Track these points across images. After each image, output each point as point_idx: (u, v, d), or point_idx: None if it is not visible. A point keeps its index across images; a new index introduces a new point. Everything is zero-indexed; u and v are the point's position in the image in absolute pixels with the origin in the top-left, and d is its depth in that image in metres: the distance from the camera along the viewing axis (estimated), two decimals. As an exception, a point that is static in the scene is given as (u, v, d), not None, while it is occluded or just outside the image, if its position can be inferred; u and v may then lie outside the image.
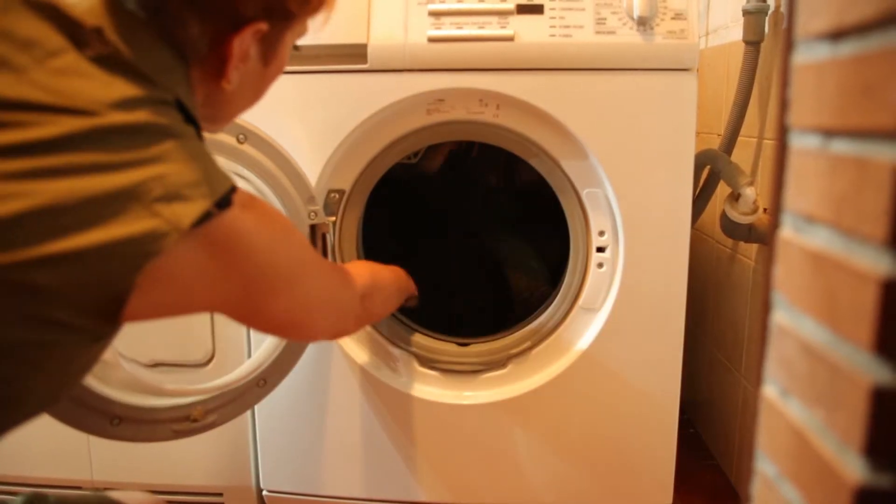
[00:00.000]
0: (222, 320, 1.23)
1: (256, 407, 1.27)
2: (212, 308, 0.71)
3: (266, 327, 0.79)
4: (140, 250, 0.56)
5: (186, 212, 0.58)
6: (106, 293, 0.56)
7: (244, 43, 0.67)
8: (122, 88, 0.59)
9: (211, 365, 1.26)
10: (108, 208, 0.55)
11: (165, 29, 0.64)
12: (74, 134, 0.55)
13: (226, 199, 0.62)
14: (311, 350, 1.23)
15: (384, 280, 1.03)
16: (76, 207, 0.54)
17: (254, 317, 0.74)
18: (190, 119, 0.64)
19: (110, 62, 0.59)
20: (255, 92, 0.77)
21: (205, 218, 0.59)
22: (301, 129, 1.15)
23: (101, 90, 0.58)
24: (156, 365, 1.27)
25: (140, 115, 0.58)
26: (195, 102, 0.67)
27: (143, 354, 1.26)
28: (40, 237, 0.53)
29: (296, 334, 0.90)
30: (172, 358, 1.26)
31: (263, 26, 0.67)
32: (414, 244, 1.57)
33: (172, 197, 0.57)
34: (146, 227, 0.56)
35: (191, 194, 0.58)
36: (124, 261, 0.55)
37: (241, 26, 0.66)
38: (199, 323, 1.25)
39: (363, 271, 0.97)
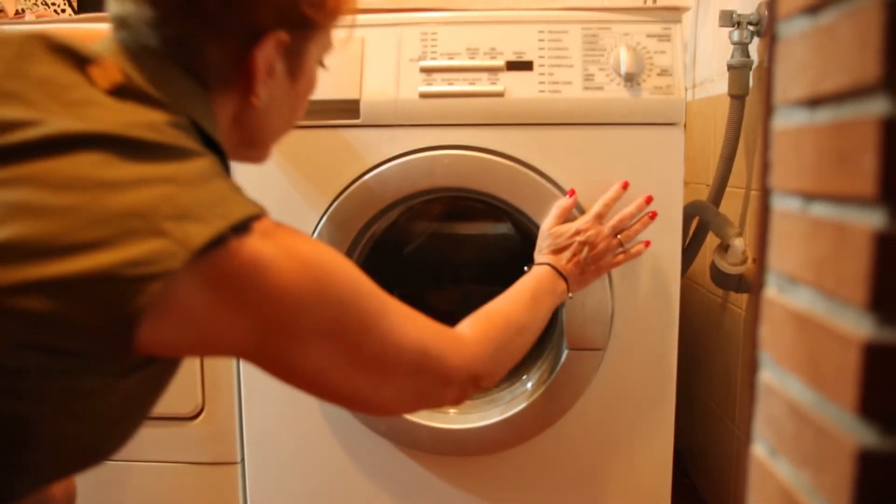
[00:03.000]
0: (212, 369, 1.23)
1: (246, 459, 1.26)
2: (234, 353, 0.62)
3: (305, 387, 0.66)
4: (145, 272, 0.51)
5: (199, 231, 0.53)
6: (109, 320, 0.51)
7: (267, 55, 0.65)
8: (134, 112, 0.58)
9: (200, 418, 1.25)
10: (111, 229, 0.51)
11: (184, 58, 0.63)
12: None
13: (244, 224, 0.57)
14: (311, 405, 1.22)
15: (513, 334, 0.85)
16: (77, 228, 0.51)
17: (286, 372, 0.64)
18: (211, 145, 0.63)
19: (123, 92, 0.59)
20: (289, 110, 0.75)
21: (218, 242, 0.54)
22: (295, 182, 1.17)
23: (112, 114, 0.57)
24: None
25: (152, 134, 0.57)
26: (218, 128, 0.66)
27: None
28: (33, 259, 0.50)
29: (345, 403, 0.71)
30: (157, 410, 1.25)
31: (283, 36, 0.66)
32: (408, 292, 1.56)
33: (184, 216, 0.53)
34: (152, 248, 0.52)
35: (204, 214, 0.54)
36: (127, 285, 0.51)
37: (260, 38, 0.64)
38: (186, 372, 1.24)
39: (484, 337, 0.80)
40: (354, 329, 0.64)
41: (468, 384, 0.75)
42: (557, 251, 1.03)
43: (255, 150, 0.75)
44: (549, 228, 1.07)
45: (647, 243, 1.11)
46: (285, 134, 0.77)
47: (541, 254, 1.05)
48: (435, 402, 0.75)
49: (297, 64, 0.71)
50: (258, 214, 0.58)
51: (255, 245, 0.57)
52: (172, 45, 0.63)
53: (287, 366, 0.63)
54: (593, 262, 1.04)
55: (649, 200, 1.09)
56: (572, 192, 1.10)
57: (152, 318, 0.53)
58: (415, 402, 0.76)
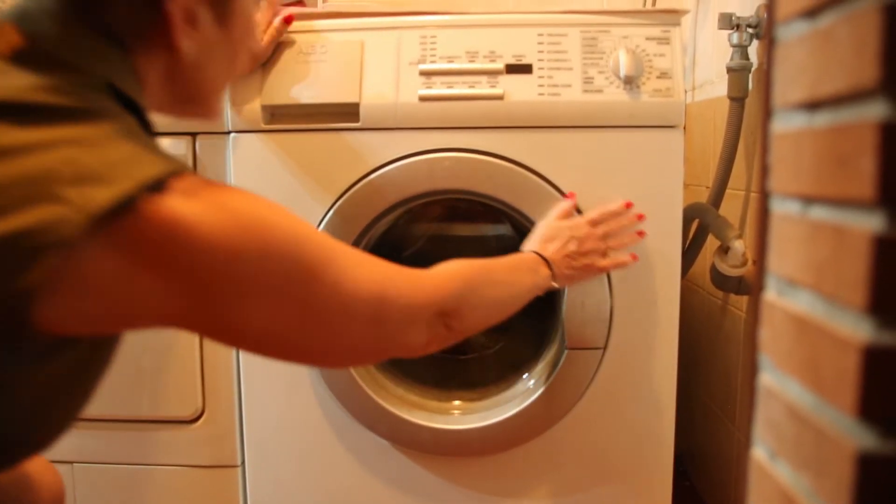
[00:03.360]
0: (212, 372, 1.23)
1: (246, 462, 1.26)
2: (165, 322, 0.57)
3: (254, 349, 0.62)
4: (38, 242, 0.47)
5: (102, 194, 0.48)
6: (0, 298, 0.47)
7: (182, 5, 0.61)
8: (34, 76, 0.53)
9: (200, 422, 1.25)
10: (2, 199, 0.47)
11: (93, 19, 0.58)
12: None
13: (159, 183, 0.51)
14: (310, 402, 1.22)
15: (484, 281, 0.83)
16: None
17: (231, 336, 0.60)
18: (132, 106, 0.58)
19: (24, 57, 0.55)
20: (227, 59, 0.69)
21: (128, 204, 0.49)
22: (294, 186, 1.17)
23: (8, 80, 0.53)
24: (137, 422, 1.25)
25: (53, 98, 0.52)
26: (148, 88, 0.62)
27: (125, 410, 1.25)
28: None
29: (303, 359, 0.68)
30: (157, 413, 1.25)
31: None
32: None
33: (85, 179, 0.48)
34: (48, 216, 0.47)
35: (110, 176, 0.49)
36: (18, 258, 0.47)
37: None
38: (186, 375, 1.24)
39: (451, 274, 0.77)
40: (301, 281, 0.60)
41: (436, 323, 0.72)
42: (545, 241, 1.02)
43: (198, 105, 0.70)
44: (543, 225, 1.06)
45: (635, 257, 1.10)
46: (230, 84, 0.72)
47: (528, 243, 1.04)
48: (401, 347, 0.72)
49: (226, 9, 0.66)
50: (176, 171, 0.53)
51: (175, 204, 0.52)
52: (77, 6, 0.58)
53: (230, 329, 0.59)
54: (579, 257, 1.02)
55: (641, 218, 1.09)
56: (572, 195, 1.10)
57: (56, 293, 0.49)
58: (379, 350, 0.72)
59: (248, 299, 0.57)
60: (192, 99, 0.69)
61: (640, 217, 1.09)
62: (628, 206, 1.09)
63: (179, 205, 0.52)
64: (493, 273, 0.86)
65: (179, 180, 0.53)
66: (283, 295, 0.58)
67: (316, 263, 0.61)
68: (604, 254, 1.06)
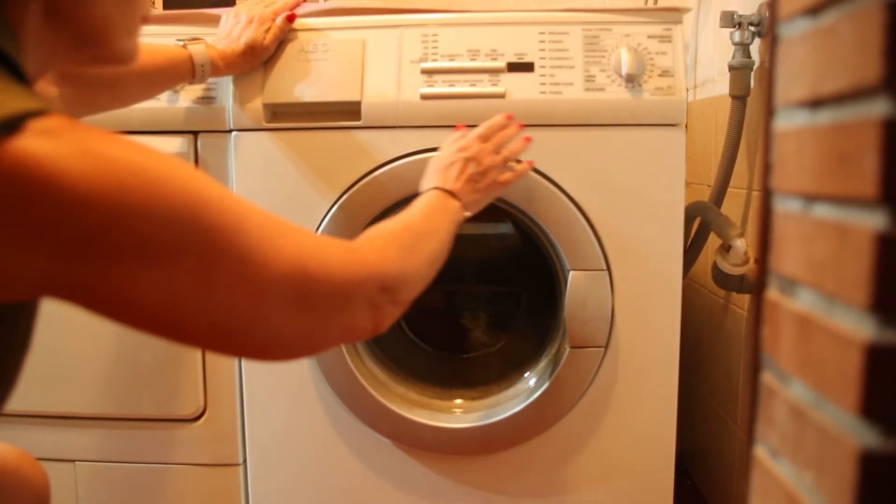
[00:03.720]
0: (214, 370, 1.24)
1: (248, 460, 1.26)
2: (38, 291, 0.49)
3: (152, 328, 0.52)
4: None
5: None
6: None
7: None
8: None
9: (202, 420, 1.25)
10: None
11: None
12: None
13: (12, 123, 0.44)
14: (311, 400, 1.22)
15: (414, 240, 0.76)
16: None
17: (115, 309, 0.50)
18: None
19: None
20: None
21: None
22: (296, 185, 1.17)
23: None
24: (139, 420, 1.26)
25: None
26: (11, 34, 0.54)
27: (126, 408, 1.25)
28: None
29: (217, 346, 0.57)
30: (158, 412, 1.26)
31: None
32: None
33: None
34: None
35: None
36: None
37: None
38: (188, 373, 1.24)
39: (383, 243, 0.71)
40: (200, 250, 0.51)
41: (380, 297, 0.65)
42: (443, 171, 0.95)
43: (99, 47, 0.61)
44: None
45: (532, 163, 1.07)
46: (136, 17, 0.64)
47: (425, 179, 0.97)
48: (342, 331, 0.63)
49: None
50: (36, 111, 0.46)
51: (30, 145, 0.44)
52: None
53: (116, 303, 0.50)
54: (480, 178, 0.96)
55: (522, 127, 1.06)
56: (459, 127, 1.05)
57: None
58: (315, 337, 0.61)
59: (132, 268, 0.48)
60: (90, 41, 0.60)
61: (521, 126, 1.05)
62: (509, 118, 1.05)
63: (34, 146, 0.44)
64: (417, 227, 0.80)
65: (41, 120, 0.45)
66: (175, 265, 0.50)
67: (220, 229, 0.52)
68: (502, 167, 1.01)
